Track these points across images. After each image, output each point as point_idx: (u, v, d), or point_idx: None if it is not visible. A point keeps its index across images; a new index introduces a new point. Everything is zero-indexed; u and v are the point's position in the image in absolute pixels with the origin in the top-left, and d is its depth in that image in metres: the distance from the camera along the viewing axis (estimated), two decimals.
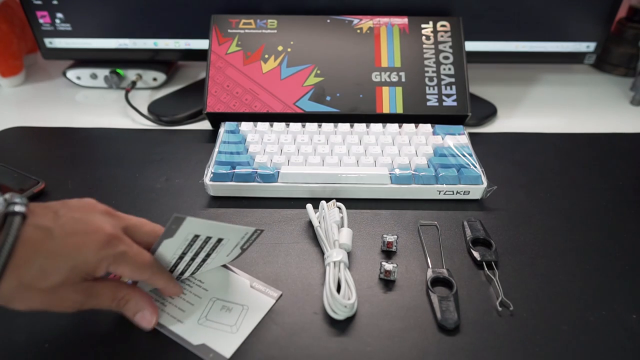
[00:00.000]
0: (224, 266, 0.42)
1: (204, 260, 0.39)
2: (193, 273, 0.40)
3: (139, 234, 0.35)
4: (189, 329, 0.37)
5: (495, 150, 0.60)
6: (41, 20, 0.67)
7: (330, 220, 0.44)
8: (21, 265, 0.28)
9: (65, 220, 0.31)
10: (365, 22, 0.63)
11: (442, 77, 0.60)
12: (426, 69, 0.61)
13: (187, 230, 0.34)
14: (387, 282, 0.42)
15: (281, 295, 0.40)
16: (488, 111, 0.68)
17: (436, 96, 0.60)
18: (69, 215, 0.32)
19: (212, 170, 0.51)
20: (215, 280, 0.41)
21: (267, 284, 0.41)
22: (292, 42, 0.62)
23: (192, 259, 0.38)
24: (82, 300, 0.32)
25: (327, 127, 0.57)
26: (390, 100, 0.60)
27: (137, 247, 0.34)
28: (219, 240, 0.37)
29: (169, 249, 0.35)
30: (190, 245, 0.35)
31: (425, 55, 0.61)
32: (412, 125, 0.58)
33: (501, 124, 0.67)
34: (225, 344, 0.36)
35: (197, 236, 0.35)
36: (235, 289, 0.40)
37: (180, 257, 0.36)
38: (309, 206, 0.48)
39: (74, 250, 0.30)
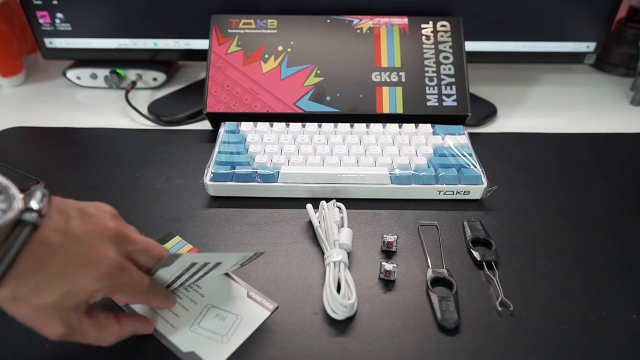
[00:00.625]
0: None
1: (201, 277, 0.39)
2: (191, 284, 0.41)
3: (144, 259, 0.34)
4: (180, 335, 0.37)
5: (495, 150, 0.60)
6: (41, 20, 0.67)
7: (330, 220, 0.44)
8: (19, 278, 0.27)
9: (73, 238, 0.30)
10: (365, 22, 0.63)
11: (442, 77, 0.60)
12: (426, 69, 0.61)
13: (183, 261, 0.34)
14: (387, 282, 0.42)
15: (277, 307, 0.39)
16: (488, 111, 0.68)
17: (436, 96, 0.60)
18: (79, 231, 0.30)
19: (212, 170, 0.51)
20: (213, 287, 0.41)
21: (265, 294, 0.40)
22: (292, 42, 0.62)
23: (191, 277, 0.38)
24: (65, 332, 0.31)
25: (327, 127, 0.57)
26: (390, 100, 0.60)
27: (138, 274, 0.33)
28: (218, 264, 0.37)
29: (167, 274, 0.35)
30: (188, 269, 0.35)
31: (425, 55, 0.61)
32: (412, 125, 0.58)
33: (501, 124, 0.67)
34: (214, 354, 0.35)
35: (194, 264, 0.35)
36: (232, 297, 0.40)
37: (179, 277, 0.36)
38: (309, 206, 0.48)
39: (72, 276, 0.29)
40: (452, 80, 0.60)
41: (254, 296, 0.40)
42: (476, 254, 0.44)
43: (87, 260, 0.30)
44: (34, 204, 0.28)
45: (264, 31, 0.62)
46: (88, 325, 0.32)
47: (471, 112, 0.60)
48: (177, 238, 0.46)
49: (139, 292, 0.33)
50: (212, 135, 0.62)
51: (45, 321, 0.30)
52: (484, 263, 0.43)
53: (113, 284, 0.31)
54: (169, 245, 0.45)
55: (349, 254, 0.44)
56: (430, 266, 0.43)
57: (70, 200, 0.32)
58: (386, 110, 0.59)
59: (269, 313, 0.39)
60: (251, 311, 0.39)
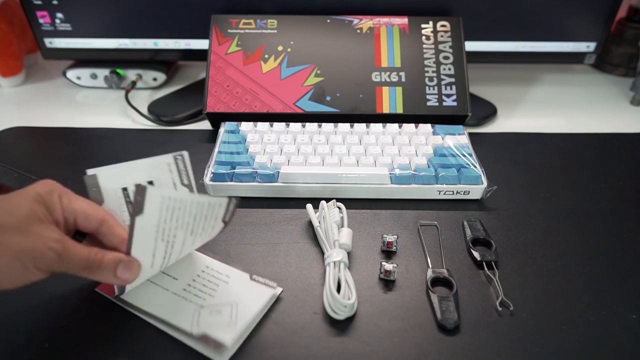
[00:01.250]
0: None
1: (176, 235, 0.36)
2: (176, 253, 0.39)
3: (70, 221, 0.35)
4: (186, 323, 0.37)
5: (495, 150, 0.60)
6: (41, 20, 0.67)
7: (330, 220, 0.44)
8: None
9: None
10: (365, 22, 0.63)
11: (442, 77, 0.60)
12: (426, 69, 0.61)
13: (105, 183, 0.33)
14: (387, 282, 0.42)
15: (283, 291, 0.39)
16: (488, 111, 0.68)
17: (436, 96, 0.60)
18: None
19: (212, 170, 0.51)
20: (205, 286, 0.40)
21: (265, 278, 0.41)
22: (292, 42, 0.62)
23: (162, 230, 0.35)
24: (59, 238, 0.31)
25: (327, 127, 0.57)
26: (390, 100, 0.60)
27: (73, 247, 0.32)
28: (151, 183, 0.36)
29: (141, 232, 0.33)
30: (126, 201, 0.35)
31: (425, 55, 0.61)
32: (412, 125, 0.58)
33: (501, 124, 0.67)
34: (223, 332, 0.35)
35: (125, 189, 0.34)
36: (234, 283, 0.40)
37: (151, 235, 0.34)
38: (309, 206, 0.48)
39: (18, 205, 0.31)
40: (452, 80, 0.60)
41: (257, 278, 0.41)
42: (476, 254, 0.44)
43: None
44: None
45: (264, 31, 0.62)
46: (75, 244, 0.32)
47: (471, 112, 0.60)
48: None
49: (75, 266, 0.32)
50: (212, 135, 0.62)
51: (39, 237, 0.31)
52: (484, 263, 0.43)
53: (57, 189, 0.34)
54: None
55: (349, 254, 0.44)
56: (430, 266, 0.43)
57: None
58: (386, 110, 0.59)
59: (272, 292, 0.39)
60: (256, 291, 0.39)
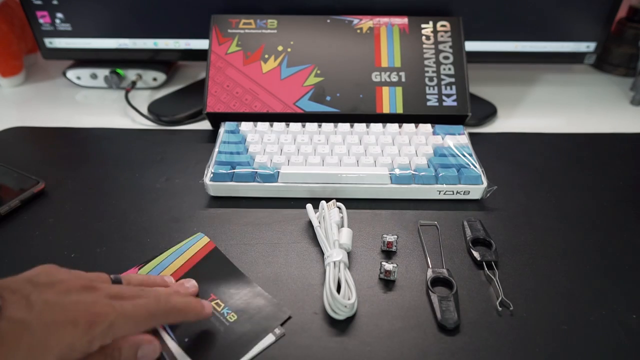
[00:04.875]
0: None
1: None
2: None
3: (125, 294, 0.33)
4: None
5: (495, 150, 0.60)
6: (41, 20, 0.67)
7: (330, 220, 0.44)
8: None
9: (41, 309, 0.28)
10: (365, 22, 0.63)
11: (442, 77, 0.60)
12: (426, 69, 0.61)
13: None
14: (387, 282, 0.42)
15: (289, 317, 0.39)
16: (488, 111, 0.68)
17: (436, 96, 0.60)
18: (42, 300, 0.29)
19: (212, 170, 0.51)
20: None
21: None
22: (292, 42, 0.62)
23: None
24: None
25: (327, 127, 0.57)
26: (390, 100, 0.60)
27: (128, 304, 0.31)
28: None
29: None
30: None
31: (425, 55, 0.61)
32: (412, 125, 0.58)
33: (501, 124, 0.67)
34: None
35: None
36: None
37: None
38: (309, 206, 0.48)
39: (57, 342, 0.28)
40: (452, 80, 0.60)
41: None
42: (476, 254, 0.44)
43: (64, 321, 0.28)
44: None
45: (264, 31, 0.62)
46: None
47: (471, 112, 0.60)
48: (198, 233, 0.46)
49: (139, 321, 0.32)
50: (212, 135, 0.62)
51: None
52: (484, 263, 0.43)
53: (101, 330, 0.29)
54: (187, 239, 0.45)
55: (349, 254, 0.44)
56: (430, 266, 0.43)
57: (8, 278, 0.30)
58: (386, 110, 0.59)
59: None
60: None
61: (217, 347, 0.36)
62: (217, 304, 0.39)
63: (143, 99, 0.72)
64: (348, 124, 0.58)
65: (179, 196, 0.52)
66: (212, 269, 0.42)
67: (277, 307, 0.39)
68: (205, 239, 0.45)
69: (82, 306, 0.29)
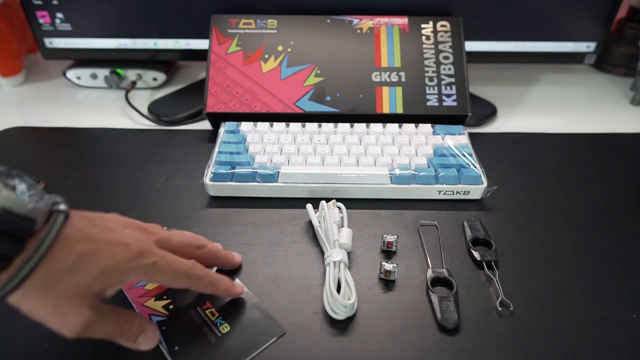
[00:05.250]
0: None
1: None
2: None
3: (170, 247, 0.35)
4: None
5: (495, 150, 0.60)
6: (41, 20, 0.67)
7: (330, 220, 0.44)
8: (55, 259, 0.29)
9: (102, 229, 0.32)
10: (365, 22, 0.63)
11: (442, 77, 0.60)
12: (426, 69, 0.61)
13: None
14: (387, 282, 0.42)
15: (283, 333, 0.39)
16: (488, 111, 0.68)
17: (436, 96, 0.60)
18: (105, 225, 0.33)
19: (212, 170, 0.51)
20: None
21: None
22: (292, 42, 0.62)
23: None
24: (89, 318, 0.31)
25: (327, 127, 0.57)
26: (390, 100, 0.60)
27: (172, 257, 0.34)
28: None
29: None
30: None
31: (425, 55, 0.61)
32: (412, 125, 0.58)
33: (501, 124, 0.67)
34: None
35: None
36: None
37: None
38: (309, 206, 0.48)
39: (108, 255, 0.31)
40: (452, 80, 0.60)
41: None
42: (476, 254, 0.44)
43: (119, 243, 0.32)
44: (59, 199, 0.31)
45: (264, 31, 0.62)
46: (110, 313, 0.33)
47: (471, 112, 0.60)
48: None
49: (177, 273, 0.34)
50: (212, 135, 0.62)
51: (70, 308, 0.30)
52: (484, 263, 0.43)
53: (145, 264, 0.32)
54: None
55: (349, 254, 0.44)
56: (430, 266, 0.43)
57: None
58: (386, 110, 0.59)
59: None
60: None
61: (205, 359, 0.35)
62: (211, 312, 0.39)
63: (143, 99, 0.72)
64: (348, 124, 0.58)
65: (179, 196, 0.52)
66: None
67: (272, 322, 0.38)
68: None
69: (135, 238, 0.33)
